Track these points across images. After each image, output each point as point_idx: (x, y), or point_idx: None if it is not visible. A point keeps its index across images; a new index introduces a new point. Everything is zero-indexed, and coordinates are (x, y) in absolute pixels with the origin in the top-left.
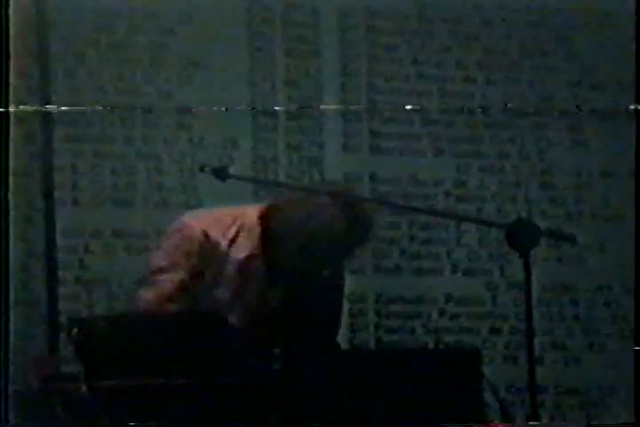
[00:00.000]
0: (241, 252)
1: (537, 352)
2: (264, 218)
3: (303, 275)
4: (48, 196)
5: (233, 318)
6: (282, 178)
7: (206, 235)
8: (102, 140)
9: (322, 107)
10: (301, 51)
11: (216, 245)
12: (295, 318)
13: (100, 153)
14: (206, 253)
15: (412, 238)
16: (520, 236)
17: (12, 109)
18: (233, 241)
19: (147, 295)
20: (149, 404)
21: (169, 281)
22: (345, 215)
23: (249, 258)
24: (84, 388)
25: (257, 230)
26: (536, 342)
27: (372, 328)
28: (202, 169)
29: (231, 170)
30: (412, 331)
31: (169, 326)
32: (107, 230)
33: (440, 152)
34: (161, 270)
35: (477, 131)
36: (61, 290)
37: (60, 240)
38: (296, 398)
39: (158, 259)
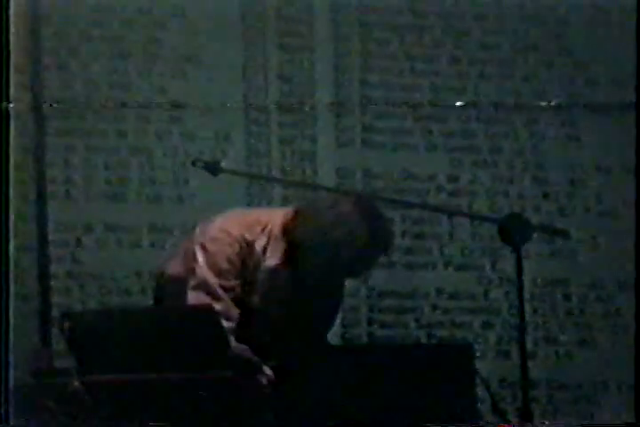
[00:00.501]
0: (271, 260)
1: (529, 347)
2: (289, 227)
3: (325, 284)
4: (40, 190)
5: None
6: (274, 172)
7: (246, 242)
8: (95, 134)
9: (315, 101)
10: (294, 45)
11: (252, 253)
12: (298, 323)
13: (93, 147)
14: (245, 260)
15: (404, 233)
16: (513, 230)
17: (11, 105)
18: (265, 249)
19: (195, 297)
20: (143, 398)
21: (215, 284)
22: (368, 224)
23: (278, 267)
24: (76, 383)
25: (284, 240)
26: (528, 336)
27: (364, 323)
28: (194, 163)
29: (223, 164)
30: (405, 326)
31: (163, 321)
32: (99, 224)
33: (433, 147)
34: (205, 275)
35: (470, 125)
36: (54, 284)
37: (52, 234)
38: (289, 397)
39: (201, 263)
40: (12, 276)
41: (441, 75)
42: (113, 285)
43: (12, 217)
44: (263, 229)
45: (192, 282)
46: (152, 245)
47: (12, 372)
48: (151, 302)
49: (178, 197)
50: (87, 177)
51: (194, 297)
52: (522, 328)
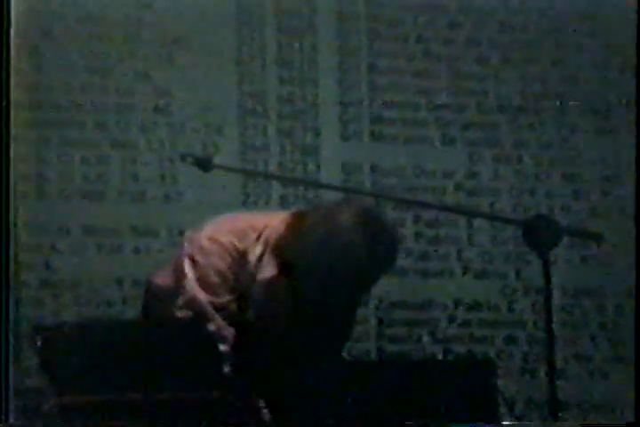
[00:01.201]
0: (267, 271)
1: (558, 364)
2: (285, 236)
3: (331, 298)
4: (8, 188)
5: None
6: (273, 169)
7: (238, 251)
8: (71, 125)
9: (317, 89)
10: (295, 26)
11: (245, 263)
12: (301, 343)
13: (69, 140)
14: (238, 272)
15: (417, 236)
16: (539, 234)
17: None
18: (260, 259)
19: (183, 317)
20: (124, 422)
21: (206, 302)
22: (368, 238)
23: (275, 279)
24: (49, 404)
25: (281, 249)
26: (557, 352)
27: (373, 337)
28: (183, 158)
29: (216, 160)
30: (418, 340)
31: (148, 336)
32: (75, 227)
33: (450, 140)
34: (194, 291)
35: (492, 116)
36: (24, 293)
37: (23, 238)
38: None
39: (190, 278)
40: None
41: (458, 59)
42: (91, 294)
43: None
44: (258, 237)
45: (179, 300)
46: (135, 250)
47: (11, 372)
48: (133, 312)
49: (164, 197)
50: (62, 173)
51: (181, 316)
52: (550, 343)
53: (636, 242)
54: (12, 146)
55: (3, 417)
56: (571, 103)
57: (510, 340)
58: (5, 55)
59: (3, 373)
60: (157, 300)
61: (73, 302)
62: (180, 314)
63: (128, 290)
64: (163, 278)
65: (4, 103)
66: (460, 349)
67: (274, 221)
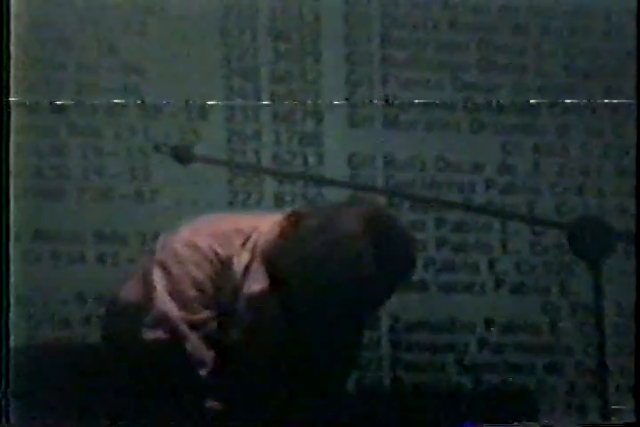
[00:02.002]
0: (256, 284)
1: (612, 398)
2: (275, 242)
3: (323, 321)
4: None
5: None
6: (265, 161)
7: (220, 259)
8: (20, 107)
9: (320, 65)
10: None
11: (229, 274)
12: (294, 369)
13: (17, 126)
14: (220, 284)
15: (440, 243)
16: (588, 240)
17: None
18: (247, 269)
19: (153, 338)
20: None
21: (179, 319)
22: (377, 246)
23: (264, 293)
24: None
25: (272, 257)
26: (611, 383)
27: (386, 364)
28: (157, 149)
29: (197, 150)
30: (442, 368)
31: (109, 360)
32: (27, 231)
33: (479, 126)
34: (165, 307)
35: (530, 97)
36: None
37: None
38: None
39: (160, 290)
40: None
41: (491, 28)
42: (46, 311)
43: None
44: (245, 243)
45: (148, 317)
46: (100, 258)
47: (12, 371)
48: (97, 334)
49: (135, 195)
50: (10, 166)
51: (151, 337)
52: (602, 373)
53: (636, 246)
54: None
55: (3, 418)
56: (624, 83)
57: (554, 368)
58: None
59: (3, 373)
60: (122, 318)
61: (24, 322)
62: (148, 334)
63: (91, 307)
64: (128, 292)
65: None
66: (492, 379)
67: (264, 224)
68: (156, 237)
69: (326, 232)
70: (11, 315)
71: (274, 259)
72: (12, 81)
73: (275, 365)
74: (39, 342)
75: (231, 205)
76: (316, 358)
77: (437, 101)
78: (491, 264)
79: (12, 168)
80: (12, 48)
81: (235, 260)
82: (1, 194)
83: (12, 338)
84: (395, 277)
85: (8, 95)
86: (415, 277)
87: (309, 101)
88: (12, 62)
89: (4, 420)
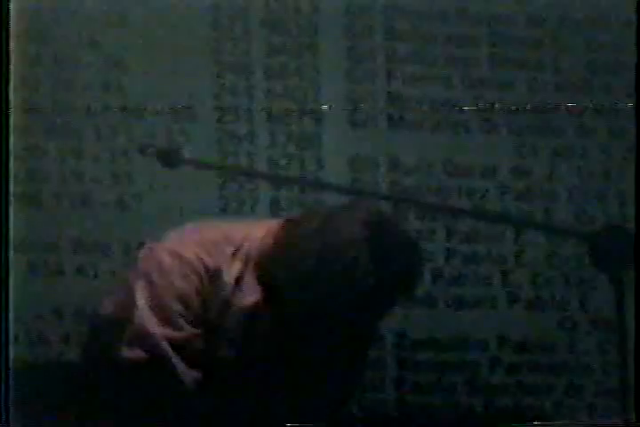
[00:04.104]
0: (248, 297)
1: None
2: (269, 252)
3: (320, 337)
4: None
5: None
6: (260, 165)
7: (208, 270)
8: None
9: (319, 58)
10: None
11: (218, 286)
12: (290, 390)
13: None
14: (208, 297)
15: (450, 254)
16: (609, 250)
17: None
18: (238, 281)
19: (131, 357)
20: None
21: (161, 337)
22: (377, 254)
23: (257, 307)
24: None
25: (265, 268)
26: (635, 407)
27: (391, 385)
28: (142, 151)
29: (185, 152)
30: (451, 389)
31: (87, 380)
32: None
33: (492, 127)
34: (145, 322)
35: (546, 95)
36: None
37: None
38: None
39: (141, 305)
40: None
41: (503, 20)
42: (23, 328)
43: None
44: (235, 252)
45: (128, 333)
46: (79, 270)
47: (12, 371)
48: (76, 353)
49: (117, 202)
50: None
51: (130, 356)
52: (624, 395)
53: (635, 249)
54: None
55: (3, 418)
56: None
57: (573, 390)
58: None
59: (3, 373)
60: (101, 336)
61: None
62: (127, 353)
63: (69, 324)
64: (108, 307)
65: None
66: (505, 401)
67: (256, 232)
68: (140, 246)
69: (323, 238)
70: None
71: (268, 269)
72: None
73: (266, 385)
74: (15, 358)
75: (223, 212)
76: (312, 376)
77: (446, 99)
78: (504, 277)
79: None
80: None
81: (224, 271)
82: None
83: None
84: (397, 287)
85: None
86: (422, 291)
87: (307, 100)
88: None
89: (4, 420)
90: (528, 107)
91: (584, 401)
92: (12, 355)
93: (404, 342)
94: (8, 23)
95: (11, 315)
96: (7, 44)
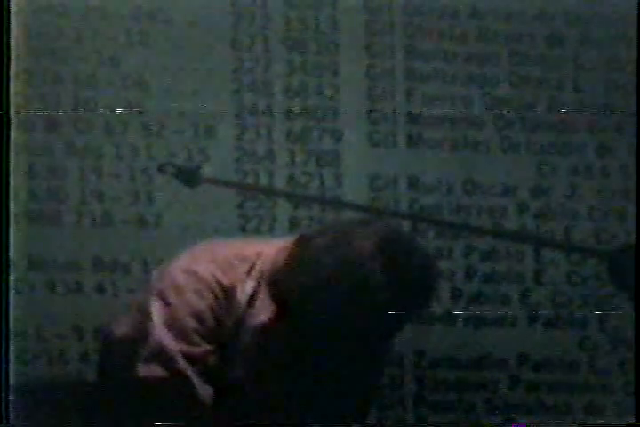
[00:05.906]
0: (261, 315)
1: None
2: (283, 269)
3: (336, 355)
4: None
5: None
6: (279, 183)
7: (223, 287)
8: (11, 124)
9: (339, 78)
10: None
11: (232, 304)
12: (304, 408)
13: (9, 144)
14: (222, 314)
15: (469, 273)
16: (629, 269)
17: None
18: (252, 299)
19: (148, 373)
20: None
21: (177, 353)
22: (391, 271)
23: (271, 324)
24: None
25: (279, 286)
26: None
27: (409, 403)
28: (162, 169)
29: (204, 171)
30: (471, 408)
31: (104, 397)
32: (22, 259)
33: (512, 145)
34: (161, 338)
35: (567, 113)
36: None
37: None
38: None
39: (157, 321)
40: None
41: (524, 37)
42: (42, 346)
43: None
44: (250, 269)
45: (144, 350)
46: (98, 288)
47: (12, 371)
48: (95, 370)
49: (137, 220)
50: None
51: (146, 372)
52: None
53: (636, 250)
54: None
55: (3, 417)
56: None
57: (593, 409)
58: None
59: (3, 373)
60: (116, 353)
61: (17, 358)
62: (143, 369)
63: (89, 342)
64: (124, 325)
65: None
66: (524, 420)
67: (270, 249)
68: (159, 265)
69: (337, 253)
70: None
71: (281, 285)
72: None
73: (280, 402)
74: (34, 377)
75: (242, 230)
76: (327, 392)
77: (466, 118)
78: (523, 296)
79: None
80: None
81: (239, 288)
82: None
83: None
84: (411, 303)
85: (8, 111)
86: (441, 310)
87: (326, 118)
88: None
89: (4, 420)
90: (547, 125)
91: (606, 421)
92: (11, 354)
93: (424, 361)
94: (24, 40)
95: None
96: (24, 63)
